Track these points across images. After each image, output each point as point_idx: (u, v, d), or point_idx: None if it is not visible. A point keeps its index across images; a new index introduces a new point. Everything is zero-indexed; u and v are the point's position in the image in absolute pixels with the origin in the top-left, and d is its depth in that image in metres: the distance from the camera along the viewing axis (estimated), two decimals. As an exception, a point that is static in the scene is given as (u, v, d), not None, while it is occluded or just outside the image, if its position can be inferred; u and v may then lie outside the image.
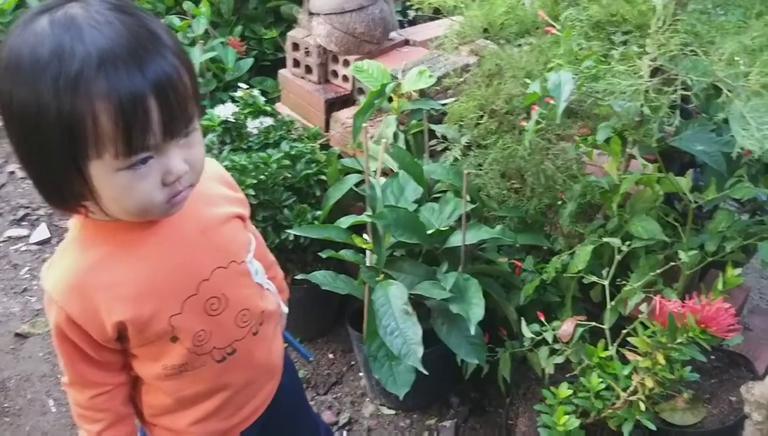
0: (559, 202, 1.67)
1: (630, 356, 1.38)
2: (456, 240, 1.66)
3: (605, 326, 1.51)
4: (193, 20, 2.68)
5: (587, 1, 1.44)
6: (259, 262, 1.18)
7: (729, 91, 1.24)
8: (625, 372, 1.40)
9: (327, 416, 2.01)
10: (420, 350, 1.47)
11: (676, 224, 1.59)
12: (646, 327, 1.36)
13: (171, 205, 0.92)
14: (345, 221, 1.75)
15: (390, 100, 1.99)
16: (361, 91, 2.29)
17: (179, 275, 1.00)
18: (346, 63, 2.29)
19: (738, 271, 1.36)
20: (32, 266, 2.71)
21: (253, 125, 2.11)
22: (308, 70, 2.40)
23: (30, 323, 2.44)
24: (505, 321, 1.73)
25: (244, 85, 2.19)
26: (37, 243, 2.82)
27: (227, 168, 1.67)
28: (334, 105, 2.32)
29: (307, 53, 2.36)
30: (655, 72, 1.39)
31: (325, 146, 2.20)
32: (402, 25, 2.80)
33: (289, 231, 1.80)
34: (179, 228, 1.00)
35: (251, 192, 1.87)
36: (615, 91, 1.30)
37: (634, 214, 1.57)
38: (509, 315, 1.69)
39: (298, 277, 1.82)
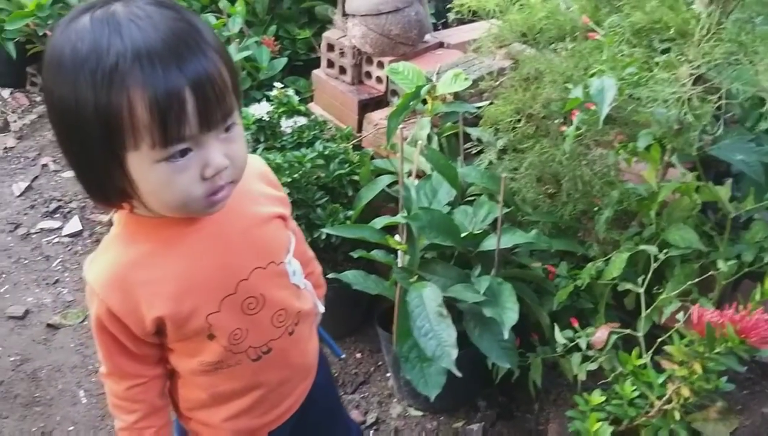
0: (595, 209, 1.66)
1: (665, 364, 1.38)
2: (490, 244, 1.66)
3: (639, 334, 1.50)
4: (228, 19, 2.71)
5: (630, 7, 1.43)
6: (299, 258, 1.19)
7: (774, 101, 1.24)
8: (660, 381, 1.39)
9: (354, 416, 2.02)
10: (454, 353, 1.47)
11: (712, 233, 1.58)
12: (682, 336, 1.35)
13: (211, 202, 0.91)
14: (379, 222, 1.76)
15: (424, 102, 2.00)
16: (394, 92, 2.30)
17: (219, 274, 1.00)
18: (381, 64, 2.30)
19: (776, 282, 1.34)
20: (64, 257, 2.75)
21: (286, 124, 2.13)
22: (342, 70, 2.41)
23: (62, 314, 2.47)
24: (537, 326, 1.73)
25: (279, 85, 2.20)
26: (69, 235, 2.85)
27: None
28: (367, 106, 2.33)
29: (342, 54, 2.37)
30: (696, 80, 1.39)
31: (357, 147, 2.21)
32: (436, 28, 2.81)
33: (324, 230, 1.82)
34: (221, 227, 1.00)
35: (285, 190, 1.87)
36: (657, 98, 1.29)
37: (671, 223, 1.56)
38: (542, 320, 1.69)
39: (329, 276, 1.81)
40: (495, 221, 1.69)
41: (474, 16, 1.87)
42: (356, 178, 2.05)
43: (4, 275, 2.65)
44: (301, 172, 1.93)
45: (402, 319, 1.67)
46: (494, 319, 1.54)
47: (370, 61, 2.35)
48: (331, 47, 2.42)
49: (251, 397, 1.13)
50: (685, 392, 1.33)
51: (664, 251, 1.51)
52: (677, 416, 1.35)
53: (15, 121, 3.59)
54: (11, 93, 3.79)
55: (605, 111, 1.24)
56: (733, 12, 1.38)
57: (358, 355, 2.24)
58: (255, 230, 1.06)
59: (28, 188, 3.14)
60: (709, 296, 1.56)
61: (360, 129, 2.31)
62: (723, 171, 1.85)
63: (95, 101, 0.81)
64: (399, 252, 1.74)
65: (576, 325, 1.56)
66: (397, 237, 1.71)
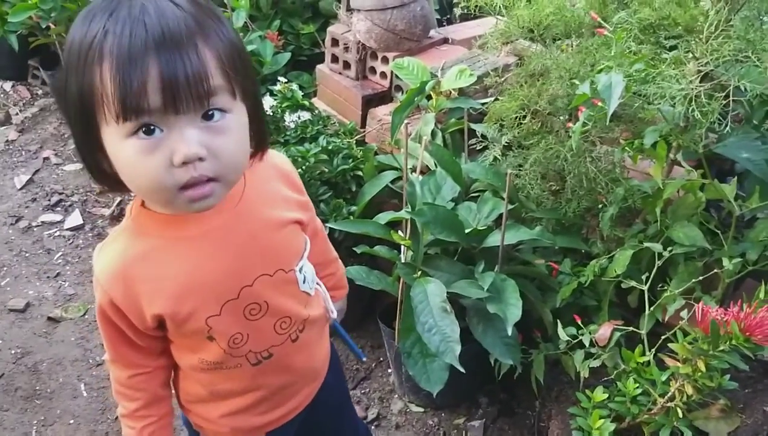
0: (600, 206, 1.66)
1: (669, 361, 1.37)
2: (494, 240, 1.66)
3: (642, 332, 1.50)
4: (232, 13, 2.70)
5: (638, 3, 1.43)
6: (320, 258, 1.18)
7: (782, 99, 1.23)
8: (663, 378, 1.39)
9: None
10: (458, 348, 1.47)
11: (717, 231, 1.57)
12: (686, 333, 1.35)
13: (189, 198, 0.86)
14: (383, 217, 1.76)
15: (428, 98, 2.00)
16: (398, 88, 2.29)
17: (222, 278, 0.99)
18: (385, 60, 2.30)
19: (781, 280, 1.35)
20: (65, 251, 2.74)
21: (290, 119, 2.12)
22: (346, 66, 2.41)
23: (62, 307, 2.47)
24: (540, 323, 1.73)
25: (282, 79, 2.20)
26: (70, 229, 2.85)
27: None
28: (371, 101, 2.33)
29: (346, 49, 2.37)
30: (704, 77, 1.38)
31: (360, 142, 2.21)
32: (440, 24, 2.80)
33: (328, 225, 1.81)
34: (230, 230, 0.98)
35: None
36: (665, 95, 1.29)
37: (676, 221, 1.56)
38: (544, 317, 1.69)
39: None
40: (499, 217, 1.69)
41: (480, 12, 1.86)
42: (360, 173, 2.05)
43: (5, 268, 2.65)
44: (304, 167, 1.93)
45: (405, 314, 1.67)
46: (497, 315, 1.54)
47: (374, 56, 2.34)
48: (335, 42, 2.41)
49: (251, 397, 1.12)
50: (689, 389, 1.33)
51: (669, 248, 1.51)
52: (680, 413, 1.35)
53: (17, 114, 3.59)
54: (13, 86, 3.79)
55: (613, 107, 1.23)
56: (741, 9, 1.37)
57: (360, 349, 2.24)
58: (266, 235, 1.02)
59: (30, 181, 3.14)
60: (712, 294, 1.56)
61: (364, 124, 2.31)
62: (727, 169, 1.85)
63: (76, 74, 0.81)
64: (402, 248, 1.74)
65: (579, 322, 1.56)
66: (400, 232, 1.71)
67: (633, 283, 1.54)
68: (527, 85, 1.69)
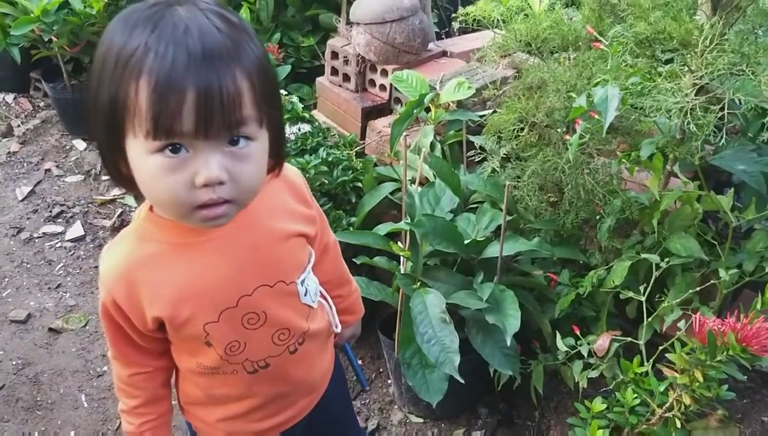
0: (597, 217, 1.68)
1: (667, 372, 1.38)
2: (492, 251, 1.67)
3: (640, 342, 1.51)
4: (232, 26, 2.72)
5: (633, 18, 1.45)
6: (331, 277, 1.20)
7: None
8: (661, 388, 1.40)
9: (355, 422, 2.02)
10: (457, 359, 1.48)
11: (713, 242, 1.59)
12: (684, 344, 1.36)
13: (204, 217, 0.88)
14: (383, 228, 1.77)
15: (427, 110, 2.01)
16: (397, 100, 2.31)
17: (221, 286, 1.00)
18: (384, 72, 2.32)
19: (777, 291, 1.35)
20: (66, 262, 2.75)
21: (290, 131, 2.14)
22: (346, 78, 2.43)
23: (63, 318, 2.48)
24: (538, 333, 1.73)
25: (283, 92, 2.22)
26: (71, 240, 2.86)
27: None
28: (370, 114, 2.35)
29: (346, 62, 2.39)
30: (699, 90, 1.40)
31: (360, 154, 2.23)
32: (439, 37, 2.83)
33: (327, 236, 1.82)
34: (233, 240, 0.99)
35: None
36: (661, 107, 1.31)
37: (673, 232, 1.57)
38: (543, 328, 1.70)
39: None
40: (497, 228, 1.70)
41: (478, 25, 1.88)
42: (359, 185, 2.06)
43: (6, 279, 2.66)
44: (305, 178, 1.94)
45: (405, 325, 1.68)
46: (496, 326, 1.55)
47: (373, 69, 2.36)
48: (335, 55, 2.43)
49: (246, 404, 1.13)
50: (687, 399, 1.34)
51: (666, 259, 1.52)
52: (678, 423, 1.36)
53: (18, 126, 3.61)
54: (15, 98, 3.81)
55: (609, 120, 1.25)
56: (735, 23, 1.39)
57: (359, 362, 2.25)
58: (268, 247, 1.03)
59: (31, 193, 3.15)
60: (710, 305, 1.57)
61: (363, 136, 2.32)
62: (723, 181, 1.87)
63: (111, 81, 0.83)
64: (402, 258, 1.75)
65: (578, 332, 1.57)
66: (399, 244, 1.72)
67: (631, 294, 1.56)
68: (525, 98, 1.71)
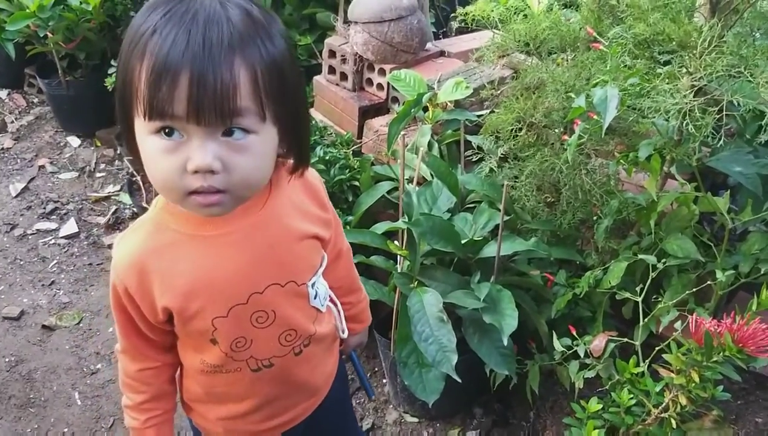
0: (594, 218, 1.68)
1: (663, 372, 1.39)
2: (490, 251, 1.67)
3: (636, 343, 1.52)
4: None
5: (632, 19, 1.45)
6: (342, 283, 1.20)
7: (774, 113, 1.25)
8: (657, 389, 1.41)
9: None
10: (454, 358, 1.48)
11: (710, 244, 1.59)
12: (680, 345, 1.36)
13: (198, 203, 0.88)
14: (380, 227, 1.77)
15: (425, 109, 2.02)
16: (395, 99, 2.31)
17: (234, 282, 0.99)
18: (382, 72, 2.31)
19: (772, 292, 1.36)
20: (60, 259, 2.74)
21: (287, 129, 2.13)
22: (343, 77, 2.42)
23: (57, 315, 2.47)
24: (535, 333, 1.74)
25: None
26: (65, 237, 2.85)
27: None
28: (368, 113, 2.34)
29: (344, 61, 2.39)
30: (697, 92, 1.40)
31: (357, 153, 2.22)
32: (437, 37, 2.83)
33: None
34: (249, 235, 0.99)
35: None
36: (659, 108, 1.31)
37: (670, 233, 1.58)
38: (539, 328, 1.70)
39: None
40: (494, 228, 1.70)
41: (477, 25, 1.89)
42: (356, 183, 2.06)
43: (-1, 276, 2.65)
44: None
45: (401, 324, 1.68)
46: (493, 325, 1.55)
47: (371, 68, 2.36)
48: (332, 54, 2.43)
49: (247, 404, 1.13)
50: (683, 400, 1.34)
51: (663, 260, 1.52)
52: (674, 423, 1.36)
53: (12, 122, 3.59)
54: (9, 94, 3.79)
55: (608, 120, 1.25)
56: (734, 26, 1.40)
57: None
58: (284, 245, 1.02)
59: (25, 189, 3.14)
60: (705, 306, 1.58)
61: (360, 135, 2.32)
62: (719, 182, 1.88)
63: (124, 60, 0.85)
64: (399, 257, 1.75)
65: (574, 333, 1.57)
66: (396, 242, 1.72)
67: (627, 294, 1.56)
68: (523, 98, 1.71)
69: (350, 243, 1.82)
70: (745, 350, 1.27)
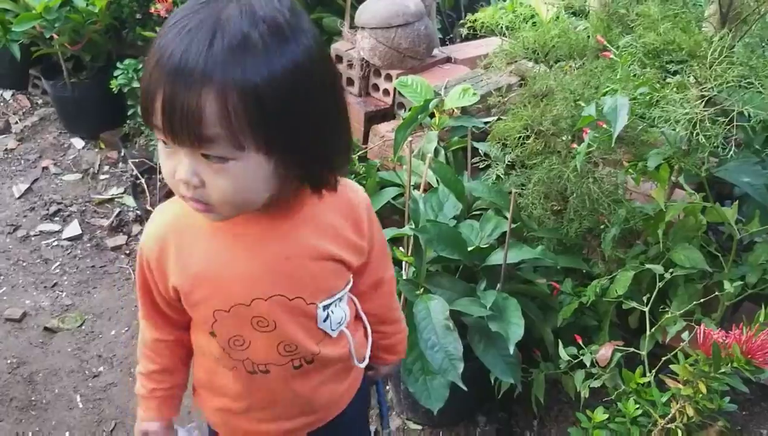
0: (601, 227, 1.68)
1: (670, 383, 1.38)
2: (496, 258, 1.67)
3: (643, 353, 1.51)
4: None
5: (642, 28, 1.45)
6: (378, 312, 1.19)
7: (784, 125, 1.25)
8: (664, 399, 1.40)
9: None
10: (461, 366, 1.48)
11: (717, 254, 1.59)
12: (687, 355, 1.36)
13: (192, 206, 0.89)
14: (386, 233, 1.76)
15: (431, 115, 2.01)
16: (401, 105, 2.31)
17: (241, 281, 0.99)
18: (388, 77, 2.31)
19: (781, 304, 1.36)
20: (63, 261, 2.73)
21: (293, 134, 2.13)
22: (350, 82, 2.42)
23: (59, 318, 2.46)
24: (540, 342, 1.73)
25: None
26: (68, 239, 2.84)
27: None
28: (373, 118, 2.34)
29: (350, 66, 2.39)
30: (707, 102, 1.40)
31: (363, 158, 2.22)
32: (443, 43, 2.83)
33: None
34: (266, 242, 0.98)
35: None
36: (669, 118, 1.31)
37: (677, 243, 1.58)
38: (545, 336, 1.70)
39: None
40: (501, 235, 1.70)
41: (483, 32, 1.89)
42: (362, 189, 2.05)
43: (2, 277, 2.64)
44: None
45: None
46: (499, 333, 1.54)
47: (377, 73, 2.36)
48: (339, 59, 2.43)
49: (240, 403, 1.13)
50: (690, 411, 1.33)
51: (670, 270, 1.52)
52: (680, 434, 1.35)
53: (16, 123, 3.59)
54: (13, 95, 3.79)
55: (619, 129, 1.25)
56: (744, 36, 1.40)
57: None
58: (300, 260, 1.00)
59: (28, 190, 3.13)
60: (712, 317, 1.58)
61: (366, 141, 2.32)
62: (726, 193, 1.87)
63: (145, 63, 0.85)
64: (404, 264, 1.75)
65: (580, 342, 1.57)
66: (401, 249, 1.72)
67: (634, 304, 1.56)
68: (531, 106, 1.71)
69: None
70: (754, 362, 1.27)
